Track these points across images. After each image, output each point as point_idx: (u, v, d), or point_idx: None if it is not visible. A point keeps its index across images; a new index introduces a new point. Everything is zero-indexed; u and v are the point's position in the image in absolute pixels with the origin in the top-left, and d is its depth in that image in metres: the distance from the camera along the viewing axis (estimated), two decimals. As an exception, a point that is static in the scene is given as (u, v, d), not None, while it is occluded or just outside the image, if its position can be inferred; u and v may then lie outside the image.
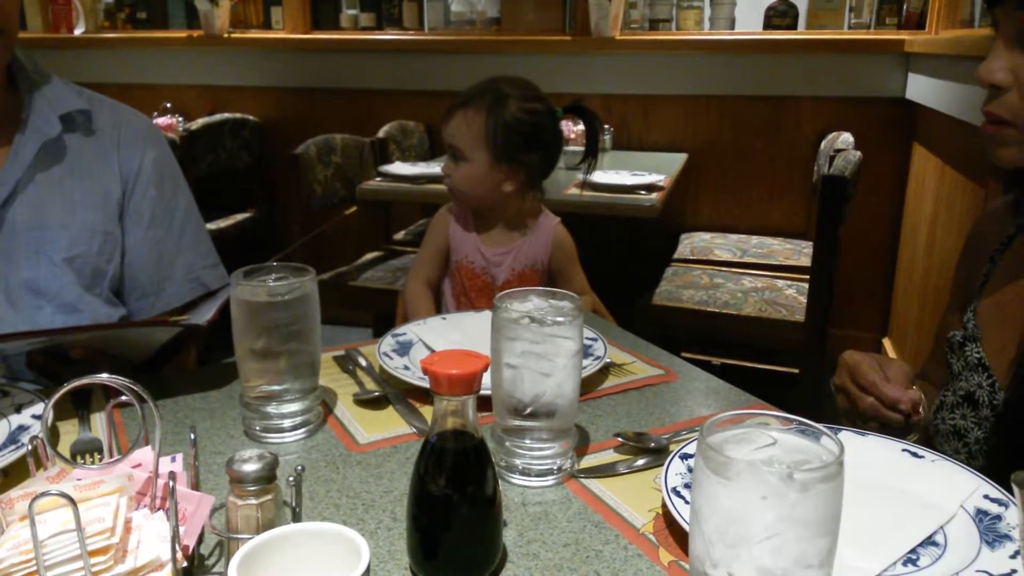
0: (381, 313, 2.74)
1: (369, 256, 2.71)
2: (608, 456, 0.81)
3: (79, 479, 0.57)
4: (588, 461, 0.80)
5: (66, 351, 0.95)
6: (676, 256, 2.74)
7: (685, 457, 0.75)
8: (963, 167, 2.17)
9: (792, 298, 2.29)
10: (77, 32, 3.60)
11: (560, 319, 0.74)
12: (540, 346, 0.73)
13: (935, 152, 2.50)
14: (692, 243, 2.85)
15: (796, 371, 2.27)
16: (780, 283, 2.43)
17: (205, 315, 0.99)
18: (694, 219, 3.08)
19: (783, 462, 0.48)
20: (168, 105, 3.34)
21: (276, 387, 0.83)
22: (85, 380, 0.58)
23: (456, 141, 1.51)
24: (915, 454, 0.78)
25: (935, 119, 2.46)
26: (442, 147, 1.69)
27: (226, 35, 3.29)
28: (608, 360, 1.00)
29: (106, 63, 3.47)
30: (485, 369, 0.61)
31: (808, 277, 2.35)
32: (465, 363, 0.61)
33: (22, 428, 0.81)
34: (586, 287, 1.63)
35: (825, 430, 0.50)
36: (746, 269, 2.58)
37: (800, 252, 2.72)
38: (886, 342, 3.00)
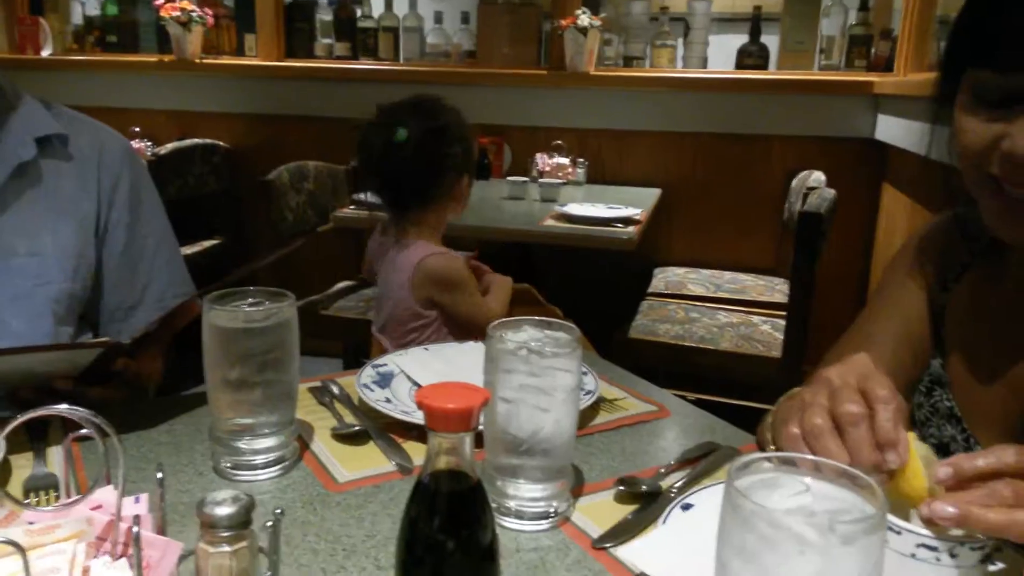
0: (351, 343, 2.68)
1: (341, 285, 2.65)
2: (605, 498, 0.76)
3: (31, 523, 0.51)
4: (584, 502, 0.76)
5: (51, 383, 0.89)
6: (650, 290, 2.72)
7: (687, 507, 0.71)
8: (933, 206, 2.19)
9: (768, 334, 2.28)
10: (44, 54, 3.51)
11: (559, 351, 0.70)
12: (538, 379, 0.69)
13: (904, 191, 2.53)
14: (666, 277, 2.84)
15: (771, 407, 2.25)
16: (755, 319, 2.42)
17: (133, 333, 0.93)
18: (667, 254, 3.08)
19: (819, 512, 0.44)
20: (137, 129, 3.26)
21: (250, 420, 0.77)
22: (41, 411, 0.52)
23: None
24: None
25: (904, 159, 2.49)
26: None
27: (198, 60, 3.24)
28: (599, 395, 0.96)
29: (74, 86, 3.39)
30: (485, 404, 0.57)
31: (782, 313, 2.34)
32: (462, 397, 0.57)
33: (-32, 463, 0.74)
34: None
35: (863, 476, 0.47)
36: (720, 304, 2.57)
37: (773, 288, 2.72)
38: (857, 380, 2.99)
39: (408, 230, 1.64)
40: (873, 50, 2.96)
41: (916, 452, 0.59)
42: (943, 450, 0.84)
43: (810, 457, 0.50)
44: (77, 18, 3.77)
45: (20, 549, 0.44)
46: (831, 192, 2.18)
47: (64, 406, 0.52)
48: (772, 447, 0.79)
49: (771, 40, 3.10)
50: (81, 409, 0.52)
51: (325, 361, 2.81)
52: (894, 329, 0.93)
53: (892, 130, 2.65)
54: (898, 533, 0.55)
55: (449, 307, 1.62)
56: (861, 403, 0.61)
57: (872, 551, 0.42)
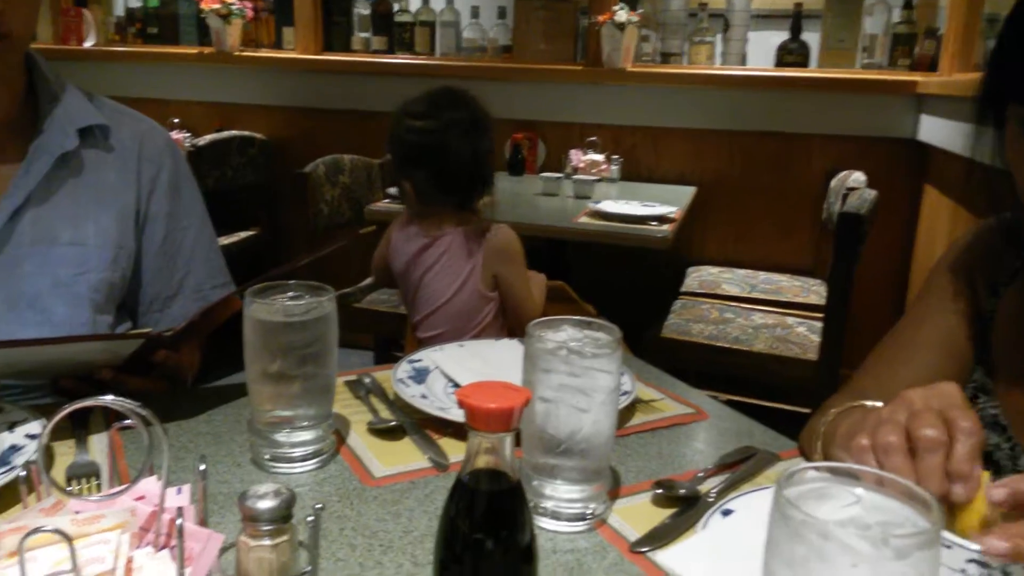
0: (383, 336, 2.69)
1: (373, 278, 2.66)
2: (642, 501, 0.76)
3: (77, 512, 0.51)
4: (621, 505, 0.75)
5: (93, 373, 0.90)
6: (684, 289, 2.69)
7: (727, 513, 0.70)
8: (977, 209, 2.14)
9: (803, 336, 2.25)
10: (87, 44, 3.58)
11: (599, 351, 0.69)
12: (578, 379, 0.68)
13: (947, 193, 2.48)
14: (700, 276, 2.81)
15: (806, 410, 2.21)
16: (790, 320, 2.39)
17: (174, 326, 0.94)
18: (701, 253, 3.05)
19: (872, 524, 0.43)
20: (176, 121, 3.31)
21: (289, 412, 0.78)
22: (88, 402, 0.53)
23: None
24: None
25: (948, 160, 2.44)
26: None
27: (237, 53, 3.27)
28: (636, 396, 0.95)
29: (115, 76, 3.45)
30: (526, 404, 0.56)
31: (818, 315, 2.31)
32: (504, 396, 0.56)
33: (15, 448, 0.75)
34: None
35: (918, 489, 0.45)
36: (755, 305, 2.54)
37: (809, 290, 2.68)
38: (893, 384, 2.94)
39: (463, 217, 1.66)
40: (917, 49, 2.89)
41: (983, 488, 0.56)
42: (986, 458, 0.81)
43: (861, 467, 0.49)
44: (119, 9, 3.83)
45: (68, 539, 0.44)
46: (872, 193, 2.14)
47: (110, 397, 0.53)
48: (818, 457, 0.78)
49: (812, 37, 3.05)
50: (127, 400, 0.53)
51: (357, 353, 2.83)
52: (937, 336, 0.91)
53: (935, 131, 2.59)
54: (948, 548, 0.53)
55: (509, 282, 1.64)
56: (942, 430, 0.59)
57: (926, 566, 0.41)
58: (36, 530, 0.45)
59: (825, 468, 0.48)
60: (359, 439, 0.86)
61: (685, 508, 0.73)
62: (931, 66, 2.83)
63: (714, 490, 0.76)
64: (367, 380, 1.01)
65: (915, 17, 2.91)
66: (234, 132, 3.17)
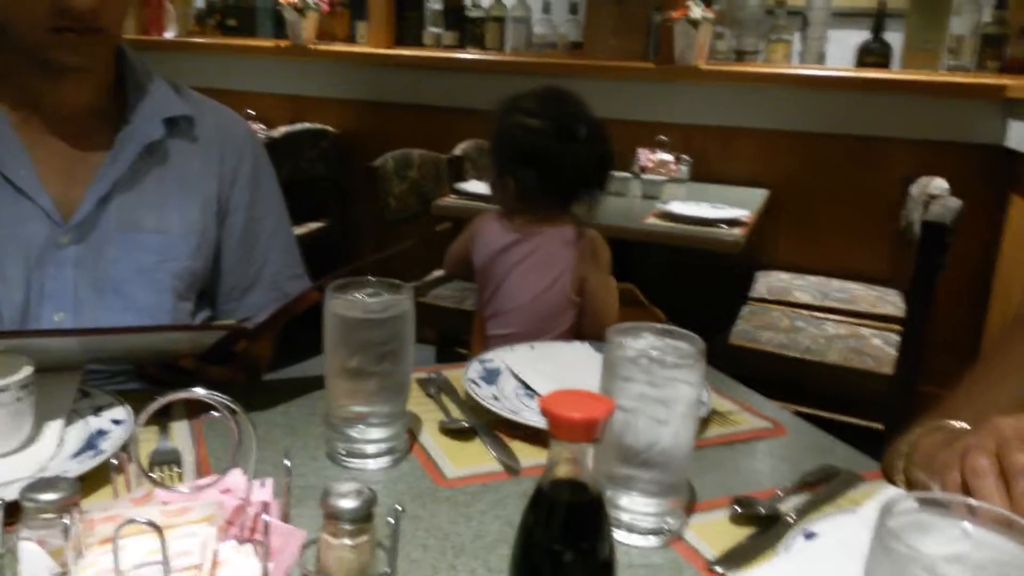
0: (446, 332, 2.71)
1: (438, 273, 2.67)
2: (719, 518, 0.74)
3: (165, 503, 0.52)
4: (697, 520, 0.73)
5: (176, 361, 0.93)
6: (752, 295, 2.63)
7: (810, 536, 0.67)
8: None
9: (879, 348, 2.17)
10: (168, 35, 3.69)
11: (681, 362, 0.67)
12: (658, 390, 0.67)
13: (1038, 204, 2.36)
14: (769, 282, 2.74)
15: (879, 426, 2.15)
16: (865, 331, 2.31)
17: (256, 319, 0.95)
18: (770, 257, 2.97)
19: (986, 563, 0.41)
20: (251, 112, 3.38)
21: (365, 408, 0.78)
22: (181, 394, 0.54)
23: None
24: None
25: (1041, 169, 2.32)
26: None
27: (312, 47, 3.33)
28: (711, 407, 0.93)
29: (194, 67, 3.55)
30: (610, 415, 0.55)
31: (895, 327, 2.23)
32: (588, 406, 0.55)
33: (101, 433, 0.78)
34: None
35: (1028, 524, 0.43)
36: (827, 314, 2.47)
37: (885, 300, 2.59)
38: (969, 401, 2.83)
39: (553, 220, 1.64)
40: (1009, 50, 2.76)
41: None
42: None
43: (969, 500, 0.46)
44: (199, 2, 3.93)
45: (159, 530, 0.45)
46: (956, 201, 2.05)
47: (202, 391, 0.54)
48: (901, 478, 0.75)
49: (895, 37, 2.94)
50: (219, 394, 0.54)
51: (420, 348, 2.84)
52: None
53: (1026, 137, 2.48)
54: None
55: (594, 289, 1.62)
56: None
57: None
58: (130, 521, 0.46)
59: (930, 499, 0.45)
60: (431, 438, 0.86)
61: (765, 528, 0.71)
62: (1022, 69, 2.70)
63: (794, 510, 0.73)
64: (437, 378, 1.01)
65: (1008, 17, 2.78)
66: (306, 124, 3.23)
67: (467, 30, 3.32)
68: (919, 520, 0.45)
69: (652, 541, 0.69)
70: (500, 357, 1.04)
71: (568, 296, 1.61)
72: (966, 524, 0.45)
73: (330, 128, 3.31)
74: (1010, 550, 0.43)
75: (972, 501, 0.46)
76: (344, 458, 0.79)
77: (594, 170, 1.59)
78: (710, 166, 2.99)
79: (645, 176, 2.66)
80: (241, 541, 0.54)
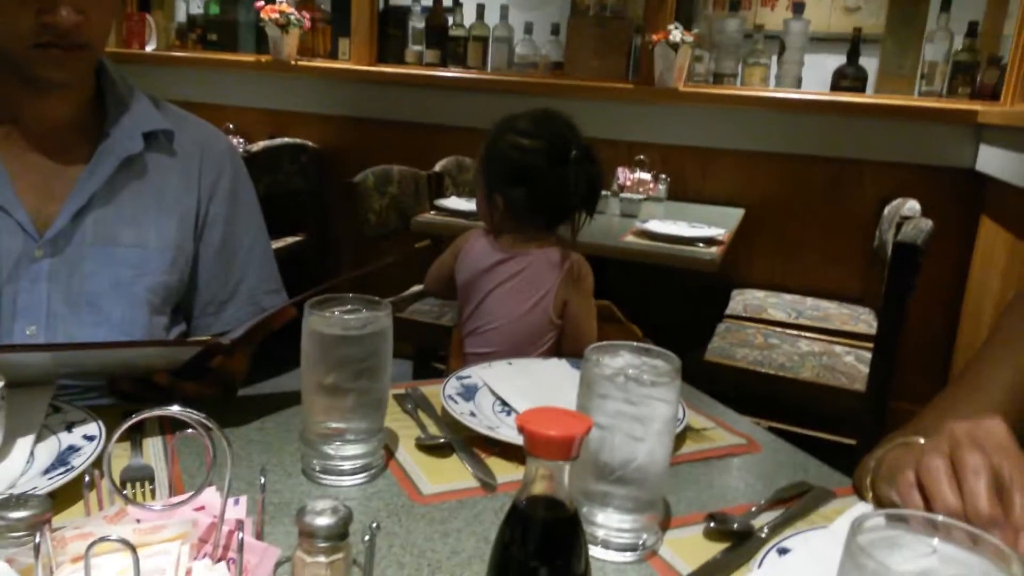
0: (423, 347, 2.70)
1: (416, 288, 2.67)
2: (693, 533, 0.74)
3: (139, 520, 0.52)
4: (672, 536, 0.73)
5: (150, 377, 0.92)
6: (728, 312, 2.66)
7: (783, 552, 0.68)
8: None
9: (851, 366, 2.20)
10: (149, 49, 3.67)
11: (658, 380, 0.68)
12: (635, 407, 0.67)
13: (1006, 226, 2.41)
14: (744, 300, 2.77)
15: (851, 442, 2.17)
16: (838, 349, 2.34)
17: (232, 334, 0.94)
18: (746, 276, 3.01)
19: (950, 577, 0.42)
20: (231, 126, 3.38)
21: (342, 424, 0.78)
22: (157, 411, 0.53)
23: None
24: None
25: (1008, 192, 2.37)
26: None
27: (293, 62, 3.33)
28: (687, 423, 0.93)
29: (174, 81, 3.53)
30: (587, 433, 0.56)
31: (867, 344, 2.26)
32: (565, 424, 0.55)
33: (72, 449, 0.77)
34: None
35: (992, 539, 0.44)
36: (801, 331, 2.50)
37: (858, 318, 2.62)
38: (942, 419, 2.87)
39: (539, 241, 1.64)
40: (979, 77, 2.83)
41: None
42: None
43: (937, 517, 0.47)
44: (181, 16, 3.93)
45: (132, 548, 0.44)
46: (928, 223, 2.09)
47: (177, 408, 0.53)
48: (869, 495, 0.76)
49: (870, 63, 3.00)
50: (194, 412, 0.53)
51: (396, 363, 2.83)
52: (1005, 376, 0.88)
53: (995, 161, 2.53)
54: None
55: (576, 312, 1.63)
56: (985, 456, 0.58)
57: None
58: (102, 539, 0.45)
59: (899, 516, 0.46)
60: (407, 454, 0.86)
61: (738, 543, 0.72)
62: (993, 95, 2.76)
63: (767, 526, 0.74)
64: (415, 394, 1.01)
65: (978, 45, 2.85)
66: (286, 139, 3.22)
67: (449, 49, 3.35)
68: (888, 536, 0.46)
69: (628, 557, 0.70)
70: (478, 373, 1.04)
71: (550, 317, 1.61)
72: (934, 540, 0.45)
73: (310, 143, 3.31)
74: (973, 563, 0.44)
75: (940, 518, 0.47)
76: (319, 475, 0.79)
77: (584, 192, 1.59)
78: (688, 185, 3.02)
79: (624, 195, 2.68)
80: (215, 559, 0.53)
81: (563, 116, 1.63)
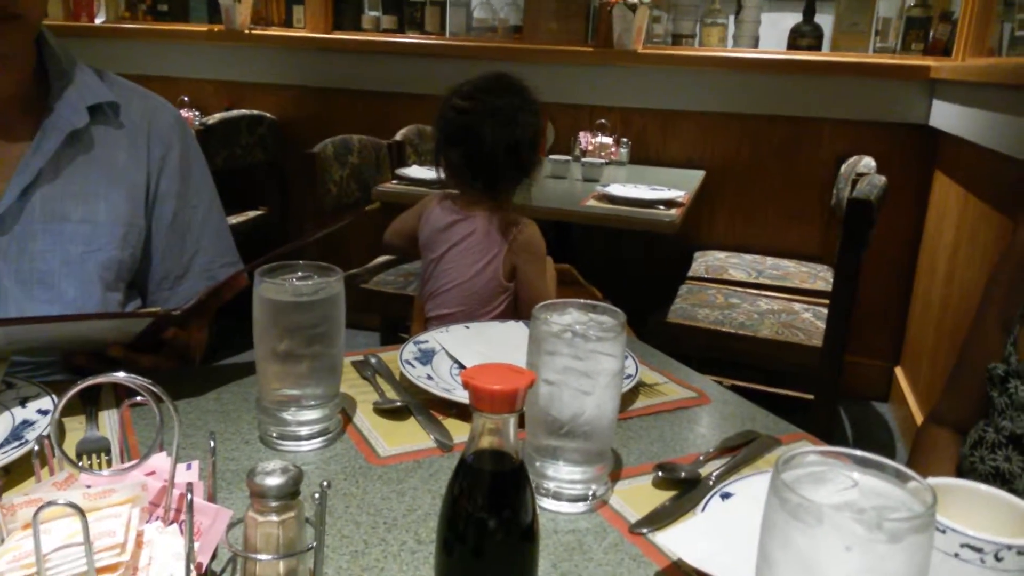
0: (390, 317, 2.70)
1: (381, 259, 2.67)
2: (643, 483, 0.77)
3: (88, 486, 0.53)
4: (622, 487, 0.76)
5: (104, 350, 0.91)
6: (690, 274, 2.69)
7: (726, 496, 0.70)
8: (989, 197, 2.13)
9: (809, 322, 2.25)
10: (98, 21, 3.57)
11: (604, 335, 0.70)
12: (582, 363, 0.69)
13: (958, 181, 2.46)
14: (706, 261, 2.81)
15: (809, 396, 2.23)
16: (797, 306, 2.39)
17: (183, 304, 0.94)
18: (708, 237, 3.05)
19: (867, 508, 0.44)
20: (185, 99, 3.31)
21: (296, 391, 0.79)
22: (100, 378, 0.54)
23: None
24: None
25: (960, 147, 2.42)
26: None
27: (247, 31, 3.26)
28: (639, 379, 0.96)
29: (125, 54, 3.45)
30: (530, 385, 0.57)
31: (824, 301, 2.31)
32: (509, 378, 0.57)
33: (27, 423, 0.77)
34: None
35: (913, 474, 0.46)
36: (761, 290, 2.54)
37: (816, 276, 2.67)
38: (898, 371, 2.95)
39: (495, 204, 1.67)
40: (931, 33, 2.87)
41: None
42: (1016, 441, 0.84)
43: (858, 452, 0.49)
44: (130, -14, 3.82)
45: (81, 512, 0.45)
46: (881, 179, 2.13)
47: (123, 374, 0.54)
48: None
49: (825, 20, 3.02)
50: (139, 377, 0.54)
51: (364, 334, 2.85)
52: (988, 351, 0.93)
53: (947, 117, 2.57)
54: (943, 532, 0.54)
55: (528, 278, 1.66)
56: None
57: (920, 550, 0.42)
58: (49, 503, 0.46)
59: (823, 452, 0.48)
60: (365, 419, 0.87)
61: (685, 491, 0.74)
62: (945, 51, 2.80)
63: (715, 473, 0.77)
64: (373, 360, 1.02)
65: (930, 1, 2.88)
66: (243, 111, 3.17)
67: (406, 14, 3.30)
68: (813, 472, 0.48)
69: (579, 507, 0.72)
70: (435, 338, 1.05)
71: (500, 280, 1.64)
72: (855, 474, 0.48)
73: (268, 114, 3.26)
74: (893, 494, 0.46)
75: (863, 453, 0.49)
76: (276, 441, 0.80)
77: (519, 154, 1.61)
78: (649, 149, 3.04)
79: (585, 159, 2.69)
80: (167, 522, 0.54)
81: (511, 79, 1.64)
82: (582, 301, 0.75)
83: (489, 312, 1.64)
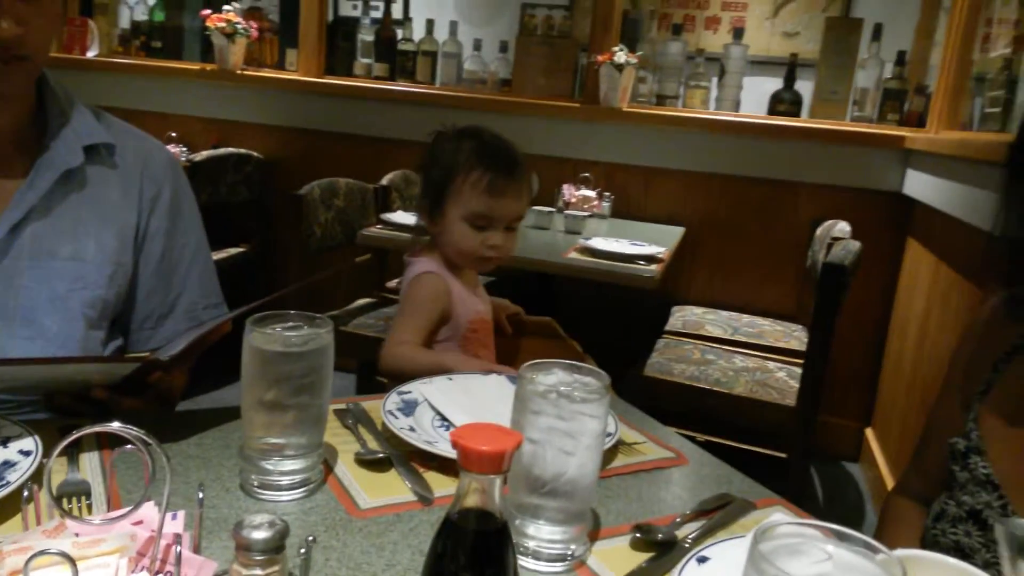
0: (367, 361, 2.70)
1: (361, 302, 2.68)
2: (621, 544, 0.78)
3: (77, 534, 0.53)
4: (600, 547, 0.77)
5: (87, 392, 0.91)
6: (667, 328, 2.73)
7: (702, 560, 0.72)
8: (959, 266, 2.20)
9: (783, 381, 2.28)
10: (90, 55, 3.60)
11: (588, 396, 0.71)
12: (566, 423, 0.70)
13: (930, 248, 2.53)
14: (684, 316, 2.85)
15: (782, 455, 2.25)
16: (771, 365, 2.42)
17: (171, 350, 0.95)
18: (686, 292, 3.10)
19: (840, 581, 0.46)
20: (173, 135, 3.33)
21: (281, 440, 0.79)
22: (97, 428, 0.54)
23: (521, 209, 1.50)
24: None
25: (932, 216, 2.50)
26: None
27: (239, 71, 3.31)
28: (619, 438, 0.97)
29: (116, 88, 3.47)
30: (517, 447, 0.59)
31: (798, 361, 2.35)
32: (497, 439, 0.58)
33: (8, 464, 0.77)
34: None
35: (881, 547, 0.48)
36: (737, 347, 2.57)
37: (791, 335, 2.72)
38: (868, 431, 2.99)
39: (419, 250, 1.55)
40: (907, 105, 2.97)
41: None
42: (975, 516, 0.86)
43: (833, 526, 0.51)
44: (125, 22, 3.87)
45: (71, 561, 0.46)
46: (856, 244, 2.19)
47: (117, 424, 0.55)
48: None
49: (805, 87, 3.13)
50: (134, 428, 0.54)
51: (339, 376, 2.81)
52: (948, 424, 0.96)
53: (921, 186, 2.66)
54: None
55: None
56: None
57: (890, 626, 0.44)
58: (41, 552, 0.46)
59: (798, 524, 0.50)
60: (346, 469, 0.88)
61: (662, 553, 0.75)
62: (920, 122, 2.91)
63: (691, 536, 0.78)
64: (355, 409, 1.02)
65: (907, 74, 2.99)
66: (231, 149, 3.19)
67: (398, 63, 3.37)
68: (789, 544, 0.49)
69: (557, 567, 0.73)
70: (418, 388, 1.06)
71: None
72: (829, 547, 0.49)
73: (255, 153, 3.28)
74: (866, 568, 0.48)
75: (836, 527, 0.51)
76: (257, 490, 0.80)
77: (422, 196, 1.49)
78: (631, 203, 3.10)
79: (568, 212, 2.74)
80: (153, 572, 0.55)
81: (467, 130, 1.51)
82: (567, 362, 0.77)
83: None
